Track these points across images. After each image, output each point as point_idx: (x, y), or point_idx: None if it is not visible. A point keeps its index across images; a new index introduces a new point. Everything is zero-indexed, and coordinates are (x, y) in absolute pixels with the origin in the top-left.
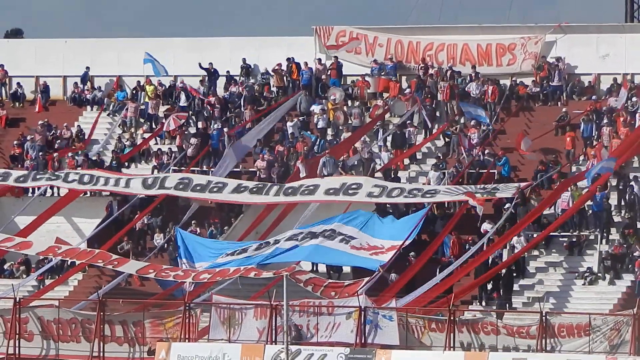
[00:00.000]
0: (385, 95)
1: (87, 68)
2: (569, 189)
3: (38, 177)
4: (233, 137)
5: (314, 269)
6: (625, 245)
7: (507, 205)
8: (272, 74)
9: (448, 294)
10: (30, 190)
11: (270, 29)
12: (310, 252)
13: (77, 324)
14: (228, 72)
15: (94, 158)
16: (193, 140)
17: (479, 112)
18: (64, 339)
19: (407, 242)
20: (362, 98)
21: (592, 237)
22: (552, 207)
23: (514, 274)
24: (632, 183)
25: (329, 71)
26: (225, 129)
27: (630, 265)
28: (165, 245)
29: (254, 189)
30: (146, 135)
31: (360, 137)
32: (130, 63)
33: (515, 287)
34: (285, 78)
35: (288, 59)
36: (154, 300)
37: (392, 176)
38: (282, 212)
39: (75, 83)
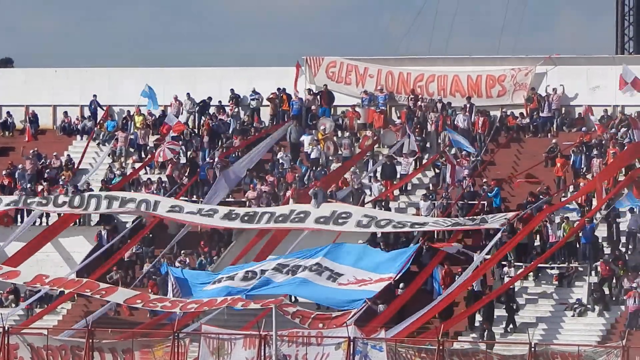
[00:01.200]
0: (376, 126)
1: (95, 96)
2: (553, 220)
3: (29, 201)
4: (223, 163)
5: (295, 300)
6: (614, 271)
7: (496, 236)
8: (268, 102)
9: (440, 319)
10: (20, 219)
11: (260, 59)
12: (298, 285)
13: (66, 350)
14: (220, 102)
15: (82, 188)
16: (183, 170)
17: (462, 142)
18: None
19: (396, 277)
20: (351, 129)
21: (581, 269)
22: (541, 239)
23: (507, 308)
24: (627, 214)
25: (319, 100)
26: (215, 156)
27: (618, 295)
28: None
29: (245, 217)
30: (136, 165)
31: (349, 168)
32: (120, 92)
33: (505, 318)
34: (278, 107)
35: (278, 89)
36: (143, 330)
37: (383, 208)
38: (271, 239)
39: (65, 112)
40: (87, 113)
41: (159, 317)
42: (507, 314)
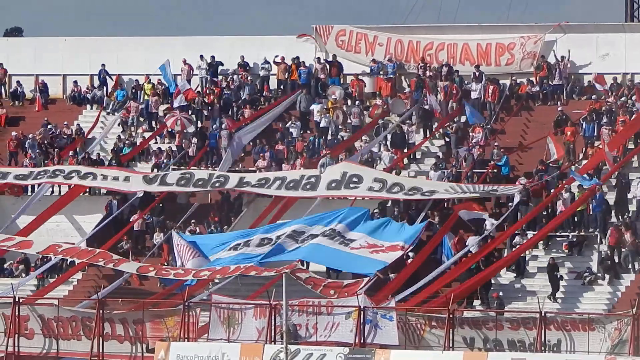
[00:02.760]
0: (384, 94)
1: (103, 65)
2: (569, 188)
3: (39, 176)
4: (233, 134)
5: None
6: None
7: (510, 204)
8: (275, 65)
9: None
10: (30, 188)
11: (270, 28)
12: (310, 251)
13: (77, 321)
14: (227, 69)
15: (94, 157)
16: (194, 140)
17: (475, 115)
18: (65, 336)
19: (409, 248)
20: (360, 98)
21: (591, 236)
22: (551, 207)
23: (515, 275)
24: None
25: (330, 69)
26: (224, 125)
27: (628, 264)
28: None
29: (256, 184)
30: (146, 135)
31: (360, 137)
32: (129, 62)
33: (517, 286)
34: (287, 73)
35: (291, 59)
36: (153, 300)
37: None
38: (282, 208)
39: (75, 82)
40: (96, 82)
41: (170, 288)
42: (550, 284)
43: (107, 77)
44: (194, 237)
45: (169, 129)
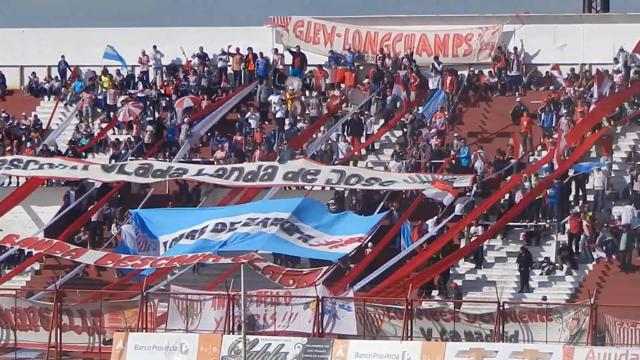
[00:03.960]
0: (342, 85)
1: (63, 57)
2: (529, 178)
3: None
4: (191, 126)
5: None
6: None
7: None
8: (230, 57)
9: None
10: None
11: (229, 19)
12: (268, 240)
13: (35, 312)
14: (189, 61)
15: (51, 149)
16: (149, 128)
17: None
18: (23, 327)
19: (367, 238)
20: (318, 88)
21: (550, 227)
22: (508, 197)
23: (473, 265)
24: (592, 173)
25: (293, 60)
26: (185, 118)
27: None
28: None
29: (214, 175)
30: (103, 126)
31: (318, 128)
32: (88, 53)
33: (473, 277)
34: (244, 64)
35: (247, 49)
36: (111, 291)
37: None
38: (240, 200)
39: (33, 73)
40: (54, 74)
41: (125, 277)
42: (520, 274)
43: (67, 69)
44: (146, 212)
45: (121, 122)
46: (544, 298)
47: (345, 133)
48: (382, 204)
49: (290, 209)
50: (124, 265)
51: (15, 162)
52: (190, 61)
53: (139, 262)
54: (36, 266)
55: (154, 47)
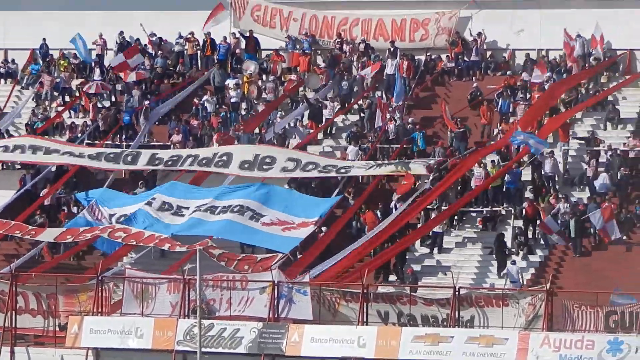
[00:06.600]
0: (298, 69)
1: (44, 39)
2: (482, 165)
3: None
4: (148, 109)
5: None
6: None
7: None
8: (186, 41)
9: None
10: None
11: (185, 3)
12: (223, 227)
13: None
14: (150, 39)
15: (4, 132)
16: (104, 112)
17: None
18: None
19: (320, 222)
20: (275, 73)
21: (504, 213)
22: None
23: (430, 249)
24: (547, 159)
25: (246, 44)
26: (145, 102)
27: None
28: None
29: (169, 162)
30: (60, 109)
31: (272, 110)
32: (44, 36)
33: (432, 262)
34: (201, 48)
35: (206, 34)
36: (66, 275)
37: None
38: (192, 181)
39: None
40: (10, 57)
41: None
42: (498, 260)
43: (48, 51)
44: (92, 192)
45: (87, 92)
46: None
47: (302, 118)
48: (338, 188)
49: (245, 195)
50: (82, 237)
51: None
52: (152, 39)
53: (98, 232)
54: None
55: (121, 32)
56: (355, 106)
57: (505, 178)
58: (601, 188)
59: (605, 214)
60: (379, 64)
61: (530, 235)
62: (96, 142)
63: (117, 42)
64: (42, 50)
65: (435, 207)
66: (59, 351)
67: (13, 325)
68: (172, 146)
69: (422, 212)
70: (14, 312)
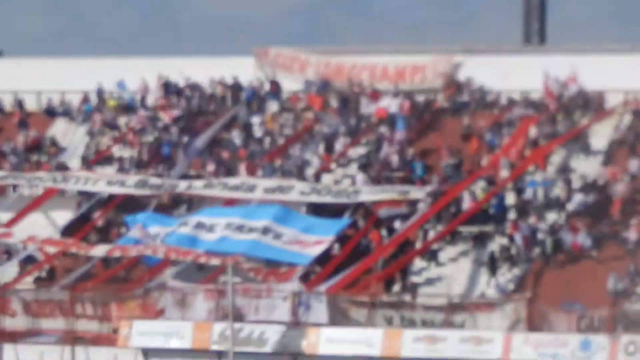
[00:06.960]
0: (315, 108)
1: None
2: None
3: (18, 179)
4: (187, 144)
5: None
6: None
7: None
8: (218, 85)
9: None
10: (12, 188)
11: (212, 49)
12: (250, 245)
13: (53, 303)
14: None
15: (66, 163)
16: (147, 145)
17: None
18: (43, 315)
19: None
20: (293, 111)
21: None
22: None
23: (427, 263)
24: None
25: (271, 86)
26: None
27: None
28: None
29: (202, 187)
30: (109, 143)
31: (292, 144)
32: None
33: (429, 274)
34: (230, 90)
35: (233, 78)
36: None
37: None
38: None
39: (50, 98)
40: (68, 97)
41: (152, 270)
42: (490, 273)
43: (103, 93)
44: (138, 215)
45: (134, 128)
46: (502, 289)
47: (318, 150)
48: (349, 211)
49: (269, 216)
50: (129, 253)
51: (31, 178)
52: (188, 82)
53: (142, 249)
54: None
55: (165, 79)
56: (364, 140)
57: (492, 202)
58: (574, 210)
59: (575, 231)
60: (385, 106)
61: (513, 251)
62: (141, 171)
63: (158, 84)
64: (98, 92)
65: (432, 226)
66: (112, 350)
67: (73, 329)
68: (206, 175)
69: (420, 231)
70: (73, 317)
